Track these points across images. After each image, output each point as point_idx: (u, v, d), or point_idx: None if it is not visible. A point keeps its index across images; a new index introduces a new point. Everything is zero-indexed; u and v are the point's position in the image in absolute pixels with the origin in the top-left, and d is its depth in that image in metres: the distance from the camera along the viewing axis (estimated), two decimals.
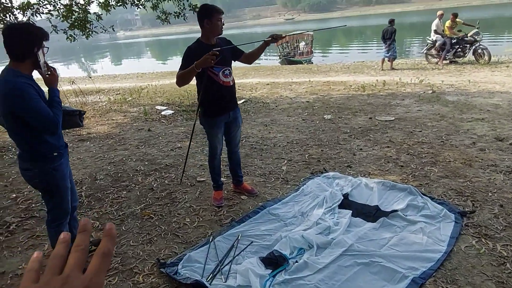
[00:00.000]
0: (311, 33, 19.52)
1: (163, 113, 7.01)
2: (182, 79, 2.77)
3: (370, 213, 2.85)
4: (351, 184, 3.35)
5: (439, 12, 11.03)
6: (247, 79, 11.09)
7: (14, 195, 3.59)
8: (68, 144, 5.11)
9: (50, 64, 2.08)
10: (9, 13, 5.41)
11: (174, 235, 2.78)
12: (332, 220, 2.75)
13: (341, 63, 14.59)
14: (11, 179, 4.07)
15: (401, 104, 6.37)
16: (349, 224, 2.71)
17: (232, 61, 3.02)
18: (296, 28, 44.64)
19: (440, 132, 4.73)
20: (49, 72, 2.04)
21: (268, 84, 9.76)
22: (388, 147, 4.35)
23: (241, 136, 3.38)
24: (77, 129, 6.03)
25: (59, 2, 5.97)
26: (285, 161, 4.13)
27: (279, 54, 19.69)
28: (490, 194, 3.04)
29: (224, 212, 3.09)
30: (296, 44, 19.96)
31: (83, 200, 3.39)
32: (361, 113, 5.98)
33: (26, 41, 1.91)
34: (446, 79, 8.48)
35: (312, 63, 17.54)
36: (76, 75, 18.28)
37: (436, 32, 10.84)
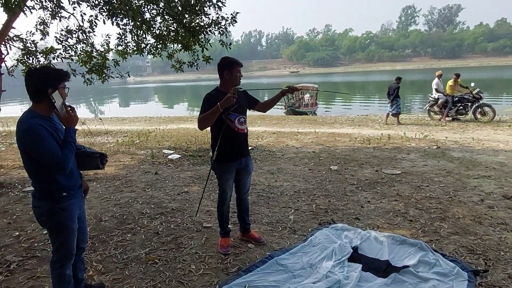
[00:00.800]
0: (315, 86, 20.20)
1: (170, 157, 7.08)
2: (205, 121, 2.86)
3: (381, 268, 2.77)
4: (360, 236, 3.29)
5: (438, 72, 11.52)
6: (254, 128, 11.30)
7: (17, 233, 3.54)
8: None
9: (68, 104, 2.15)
10: (32, 56, 5.73)
11: (179, 282, 2.69)
12: (342, 274, 2.68)
13: (346, 116, 14.91)
14: (15, 216, 4.04)
15: (407, 158, 6.42)
16: (360, 278, 2.63)
17: (248, 110, 3.13)
18: (300, 80, 46.17)
19: (448, 187, 4.72)
20: (67, 113, 2.10)
21: (274, 133, 9.93)
22: (396, 200, 4.33)
23: (250, 184, 3.39)
24: None
25: (81, 49, 6.31)
26: (292, 210, 4.10)
27: (285, 104, 20.24)
28: (502, 253, 2.97)
29: (230, 260, 3.02)
30: (301, 95, 20.58)
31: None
32: (367, 165, 6.01)
33: (41, 82, 2.01)
34: (450, 135, 8.62)
35: (316, 114, 17.95)
36: (85, 115, 18.73)
37: (437, 90, 11.23)
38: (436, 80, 11.31)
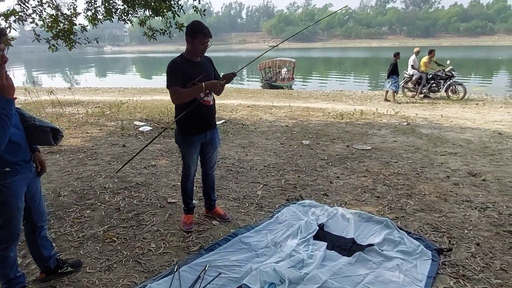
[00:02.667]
0: (293, 60, 19.93)
1: (141, 129, 6.80)
2: (184, 97, 2.67)
3: (346, 246, 2.74)
4: (327, 213, 3.25)
5: (416, 49, 11.52)
6: (229, 101, 11.04)
7: None
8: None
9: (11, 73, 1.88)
10: None
11: (136, 262, 2.56)
12: (306, 253, 2.62)
13: (321, 91, 14.85)
14: None
15: (378, 134, 6.44)
16: (324, 257, 2.58)
17: None
18: (279, 55, 45.68)
19: (415, 164, 4.76)
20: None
21: (249, 106, 9.74)
22: (365, 176, 4.32)
23: (217, 158, 3.24)
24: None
25: (45, 12, 5.78)
26: (261, 186, 4.01)
27: (262, 78, 19.92)
28: (466, 231, 3.00)
29: (193, 238, 2.91)
30: (278, 69, 20.31)
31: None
32: (338, 140, 5.98)
33: None
34: (420, 112, 8.72)
35: (293, 89, 17.81)
36: (60, 85, 17.79)
37: (413, 67, 11.28)
38: (413, 56, 11.32)
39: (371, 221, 3.08)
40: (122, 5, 6.06)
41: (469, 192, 3.82)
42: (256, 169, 4.56)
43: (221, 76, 2.86)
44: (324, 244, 2.75)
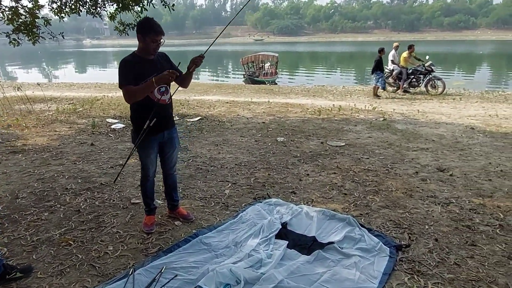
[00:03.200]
0: (276, 55, 19.89)
1: (113, 126, 6.66)
2: (135, 95, 2.57)
3: (306, 245, 2.72)
4: (291, 212, 3.23)
5: (395, 44, 11.60)
6: (207, 96, 10.93)
7: None
8: None
9: None
10: None
11: (91, 266, 2.49)
12: (266, 252, 2.60)
13: (302, 86, 14.85)
14: None
15: (353, 130, 6.46)
16: (283, 256, 2.57)
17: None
18: (264, 49, 45.52)
19: (386, 160, 4.79)
20: None
21: (227, 102, 9.66)
22: (334, 173, 4.32)
23: (177, 158, 3.17)
24: (12, 139, 5.55)
25: (1, 4, 5.56)
26: (229, 184, 3.97)
27: (244, 73, 19.83)
28: (427, 226, 3.03)
29: (153, 239, 2.85)
30: (261, 64, 20.24)
31: None
32: (313, 137, 5.98)
33: None
34: (397, 107, 8.80)
35: (277, 84, 17.78)
36: (36, 80, 17.31)
37: (393, 62, 11.36)
38: (392, 51, 11.40)
39: (334, 218, 3.08)
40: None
41: (435, 187, 3.86)
42: (227, 167, 4.51)
43: (187, 65, 2.77)
44: (285, 243, 2.73)
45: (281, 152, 5.14)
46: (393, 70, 11.35)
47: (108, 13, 6.03)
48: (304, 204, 3.50)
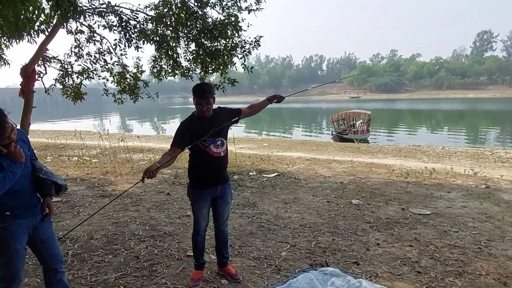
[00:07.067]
0: (368, 112, 19.42)
1: None
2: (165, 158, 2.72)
3: None
4: (347, 286, 2.88)
5: None
6: (290, 153, 11.00)
7: None
8: (89, 198, 5.29)
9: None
10: (68, 77, 6.22)
11: None
12: None
13: (394, 145, 13.97)
14: None
15: (445, 197, 5.69)
16: None
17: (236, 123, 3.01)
18: (360, 106, 44.83)
19: (481, 236, 4.03)
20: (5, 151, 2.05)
21: (308, 159, 9.56)
22: (410, 246, 3.78)
23: (229, 214, 3.16)
24: (105, 184, 6.30)
25: (115, 70, 6.72)
26: (288, 246, 3.77)
27: (333, 130, 19.68)
28: None
29: None
30: (352, 122, 19.90)
31: (67, 259, 3.34)
32: (394, 201, 5.43)
33: None
34: (507, 173, 7.55)
35: (368, 142, 17.10)
36: (148, 133, 19.91)
37: None
38: None
39: None
40: (188, 63, 6.70)
41: None
42: (290, 227, 4.33)
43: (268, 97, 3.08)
44: None
45: (353, 216, 4.75)
46: None
47: (198, 76, 6.74)
48: (366, 278, 3.10)
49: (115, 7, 5.48)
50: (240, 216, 4.73)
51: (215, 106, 2.98)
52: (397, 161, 9.56)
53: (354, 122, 19.95)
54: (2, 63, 4.71)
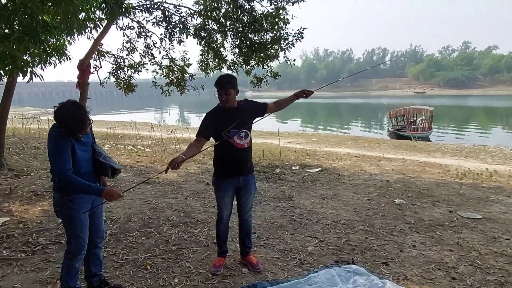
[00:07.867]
0: (430, 108, 18.20)
1: None
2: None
3: None
4: (370, 285, 2.76)
5: None
6: (339, 148, 10.70)
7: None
8: (133, 184, 5.63)
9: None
10: (120, 70, 6.69)
11: None
12: None
13: (456, 145, 12.92)
14: None
15: (503, 201, 5.17)
16: None
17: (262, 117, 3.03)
18: (426, 102, 41.95)
19: None
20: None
21: (356, 156, 9.23)
22: (450, 250, 3.51)
23: (253, 205, 3.19)
24: (151, 172, 6.69)
25: (163, 64, 7.10)
26: (316, 241, 3.70)
27: (391, 127, 18.74)
28: None
29: (215, 281, 2.88)
30: (413, 118, 18.77)
31: (105, 238, 3.61)
32: (442, 203, 5.06)
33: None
34: None
35: (430, 140, 16.01)
36: (194, 125, 20.68)
37: None
38: None
39: None
40: (234, 57, 6.84)
41: None
42: (322, 223, 4.25)
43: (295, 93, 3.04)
44: None
45: (392, 216, 4.52)
46: None
47: (244, 68, 6.82)
48: (393, 280, 2.95)
49: (159, 3, 5.78)
50: (274, 208, 4.74)
51: (241, 98, 3.04)
52: (455, 161, 8.85)
53: (415, 118, 18.77)
54: (65, 59, 5.19)
